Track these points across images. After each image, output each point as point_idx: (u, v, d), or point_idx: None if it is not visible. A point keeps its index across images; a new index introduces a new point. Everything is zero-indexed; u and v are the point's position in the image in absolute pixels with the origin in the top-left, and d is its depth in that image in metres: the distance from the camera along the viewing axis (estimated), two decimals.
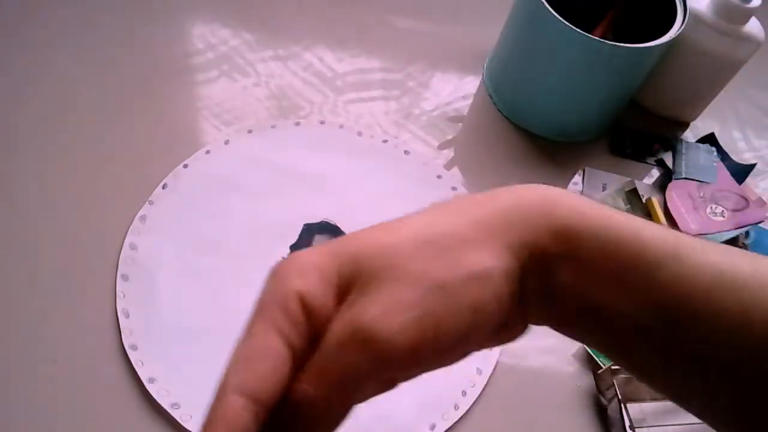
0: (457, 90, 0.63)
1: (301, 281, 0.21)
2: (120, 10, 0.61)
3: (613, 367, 0.46)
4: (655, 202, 0.58)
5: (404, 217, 0.23)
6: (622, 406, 0.45)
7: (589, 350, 0.48)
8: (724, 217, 0.58)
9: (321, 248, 0.22)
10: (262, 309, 0.22)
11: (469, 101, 0.63)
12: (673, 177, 0.60)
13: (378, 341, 0.20)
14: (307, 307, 0.21)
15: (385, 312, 0.20)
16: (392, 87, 0.62)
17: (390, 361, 0.20)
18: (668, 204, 0.58)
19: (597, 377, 0.46)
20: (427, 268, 0.21)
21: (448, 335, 0.21)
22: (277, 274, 0.22)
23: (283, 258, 0.23)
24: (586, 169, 0.60)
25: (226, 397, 0.20)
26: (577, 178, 0.59)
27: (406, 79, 0.62)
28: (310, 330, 0.21)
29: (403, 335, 0.20)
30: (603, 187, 0.59)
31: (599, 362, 0.48)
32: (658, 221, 0.57)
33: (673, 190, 0.59)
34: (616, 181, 0.59)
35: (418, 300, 0.21)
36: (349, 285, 0.21)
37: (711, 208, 0.58)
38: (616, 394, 0.45)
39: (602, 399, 0.46)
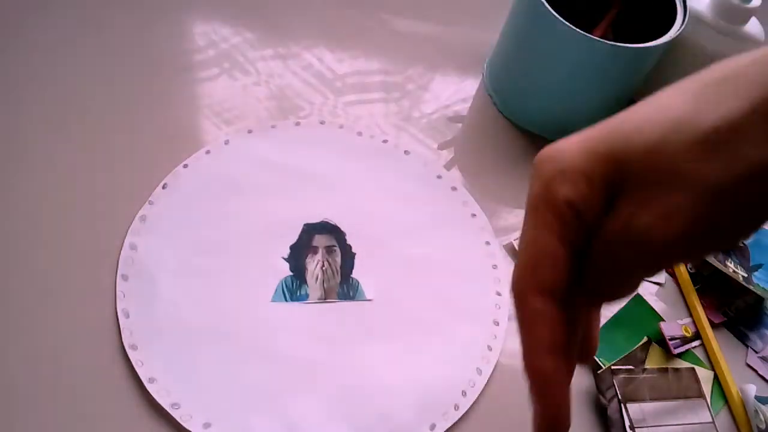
0: (457, 92, 0.63)
1: (570, 189, 0.22)
2: (121, 7, 0.61)
3: (613, 367, 0.46)
4: None
5: (655, 104, 0.22)
6: (622, 406, 0.45)
7: None
8: None
9: (582, 145, 0.23)
10: (535, 215, 0.23)
11: (469, 102, 0.63)
12: None
13: (652, 244, 0.20)
14: (577, 213, 0.22)
15: (659, 218, 0.20)
16: (392, 89, 0.62)
17: (662, 262, 0.21)
18: None
19: (597, 377, 0.46)
20: (700, 168, 0.20)
21: (726, 234, 0.21)
22: (542, 176, 0.23)
23: (544, 152, 0.24)
24: None
25: (528, 298, 0.22)
26: None
27: (406, 82, 0.62)
28: (582, 231, 0.22)
29: (678, 241, 0.20)
30: None
31: (599, 362, 0.48)
32: None
33: None
34: None
35: (692, 204, 0.20)
36: (615, 190, 0.22)
37: None
38: (616, 394, 0.45)
39: (602, 399, 0.46)
